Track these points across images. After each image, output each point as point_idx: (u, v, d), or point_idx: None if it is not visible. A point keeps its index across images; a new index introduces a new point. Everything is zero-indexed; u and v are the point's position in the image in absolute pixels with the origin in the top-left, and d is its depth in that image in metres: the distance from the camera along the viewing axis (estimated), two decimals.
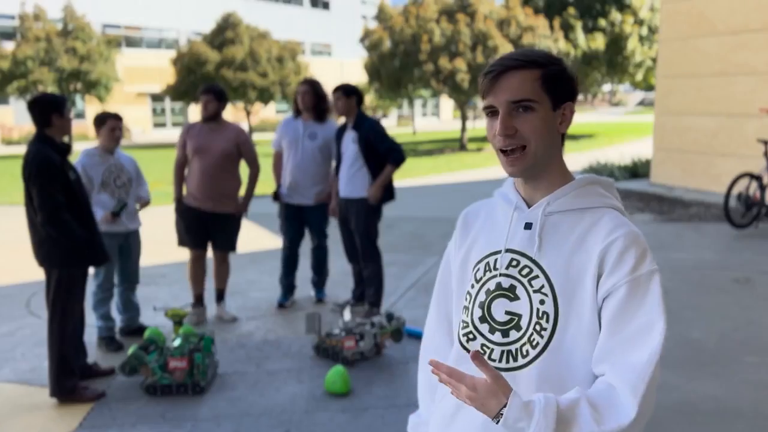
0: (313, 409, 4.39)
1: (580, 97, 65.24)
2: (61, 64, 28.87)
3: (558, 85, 1.57)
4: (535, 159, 1.56)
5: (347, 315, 5.48)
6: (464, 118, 27.07)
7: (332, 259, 7.70)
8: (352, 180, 5.92)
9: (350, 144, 5.89)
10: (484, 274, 1.66)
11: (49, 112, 4.42)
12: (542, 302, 1.56)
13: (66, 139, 4.54)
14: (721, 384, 4.63)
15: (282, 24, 47.03)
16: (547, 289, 1.56)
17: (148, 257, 8.58)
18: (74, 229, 4.40)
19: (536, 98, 1.53)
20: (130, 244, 5.69)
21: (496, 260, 1.64)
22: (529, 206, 1.64)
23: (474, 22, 24.27)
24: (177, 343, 4.76)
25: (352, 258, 6.27)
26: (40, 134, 4.45)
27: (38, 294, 7.03)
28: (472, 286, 1.68)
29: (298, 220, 6.41)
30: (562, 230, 1.58)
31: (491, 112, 1.57)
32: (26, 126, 36.61)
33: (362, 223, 5.92)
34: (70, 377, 4.55)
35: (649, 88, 38.24)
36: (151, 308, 6.47)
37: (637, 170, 15.36)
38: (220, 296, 6.35)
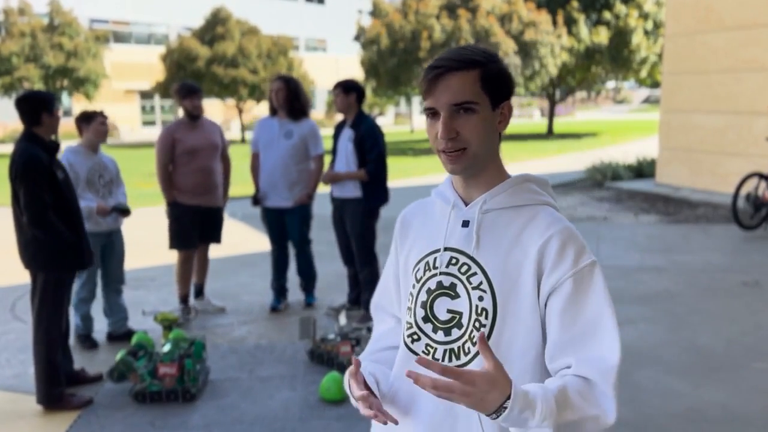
0: (307, 416, 4.39)
1: (583, 94, 65.53)
2: (47, 60, 28.85)
3: (497, 84, 1.61)
4: (475, 159, 1.61)
5: (343, 319, 5.48)
6: None
7: (328, 261, 7.70)
8: (345, 179, 5.92)
9: (347, 142, 5.88)
10: (424, 274, 1.71)
11: (39, 109, 4.42)
12: (481, 299, 1.62)
13: (54, 137, 4.58)
14: (730, 391, 4.64)
15: (275, 19, 47.02)
16: (485, 286, 1.62)
17: (137, 260, 8.57)
18: (61, 230, 4.40)
19: (477, 99, 1.58)
20: (113, 243, 5.75)
21: (435, 259, 1.70)
22: (466, 204, 1.69)
23: (476, 17, 24.29)
24: (167, 348, 4.75)
25: (348, 261, 6.26)
26: (28, 132, 4.44)
27: (23, 297, 7.02)
28: (413, 287, 1.73)
29: (280, 223, 6.38)
30: (499, 227, 1.64)
31: (432, 113, 1.61)
32: (11, 124, 36.56)
33: (358, 225, 5.91)
34: (56, 384, 4.54)
35: (655, 84, 38.29)
36: (140, 312, 6.46)
37: (642, 170, 15.38)
38: (200, 290, 6.60)
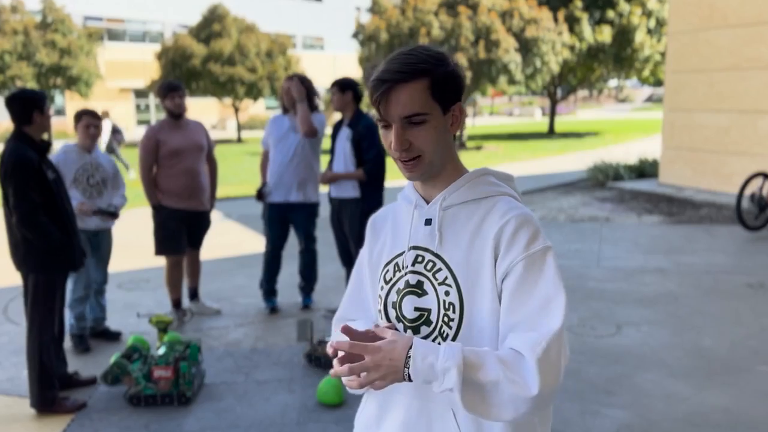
0: (304, 420, 4.39)
1: (585, 93, 65.39)
2: (40, 58, 28.82)
3: (446, 89, 1.65)
4: (431, 165, 1.68)
5: None
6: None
7: (325, 262, 7.69)
8: (343, 179, 5.93)
9: (344, 142, 5.89)
10: (394, 275, 1.77)
11: (31, 109, 4.42)
12: (447, 294, 1.68)
13: (45, 136, 4.58)
14: (734, 394, 4.64)
15: (272, 16, 46.98)
16: (450, 280, 1.67)
17: (131, 261, 8.58)
18: (51, 231, 4.40)
19: (427, 110, 1.62)
20: (99, 243, 5.78)
21: (403, 259, 1.76)
22: (428, 203, 1.76)
23: (476, 14, 24.28)
24: (162, 351, 4.75)
25: (346, 262, 6.26)
26: (18, 132, 4.44)
27: (16, 300, 7.01)
28: (382, 288, 1.79)
29: (283, 221, 6.40)
30: (460, 221, 1.71)
31: (385, 124, 1.66)
32: (4, 123, 36.52)
33: (356, 226, 5.91)
34: (50, 387, 4.54)
35: (658, 83, 38.31)
36: (135, 315, 6.46)
37: (645, 170, 15.38)
38: (195, 294, 6.60)
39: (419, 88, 1.60)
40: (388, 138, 1.65)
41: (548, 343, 1.52)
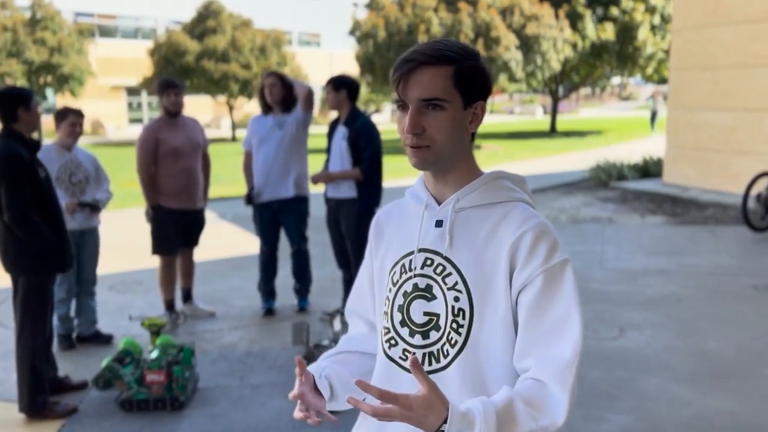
0: (300, 425, 4.38)
1: (587, 91, 65.42)
2: (29, 55, 28.80)
3: (471, 82, 1.63)
4: (440, 157, 1.64)
5: (337, 325, 5.47)
6: None
7: (321, 264, 7.70)
8: (339, 178, 5.94)
9: (340, 141, 5.90)
10: (401, 277, 1.74)
11: (15, 105, 4.42)
12: (457, 299, 1.65)
13: (35, 134, 4.59)
14: (739, 398, 4.65)
15: (267, 12, 46.98)
16: (461, 286, 1.65)
17: (123, 263, 8.57)
18: (43, 232, 4.39)
19: (447, 97, 1.60)
20: (85, 242, 5.79)
21: (411, 261, 1.72)
22: (439, 204, 1.72)
23: (476, 11, 24.28)
24: (154, 355, 4.75)
25: (343, 264, 6.26)
26: (7, 129, 4.44)
27: (6, 302, 7.00)
28: (390, 290, 1.76)
29: (274, 222, 6.43)
30: (473, 225, 1.67)
31: (401, 106, 1.63)
32: None
33: (353, 226, 5.92)
34: (40, 391, 4.53)
35: (662, 81, 38.29)
36: (127, 317, 6.46)
37: (649, 169, 15.37)
38: (188, 295, 6.62)
39: (443, 74, 1.59)
40: (402, 122, 1.63)
41: (573, 372, 1.54)
